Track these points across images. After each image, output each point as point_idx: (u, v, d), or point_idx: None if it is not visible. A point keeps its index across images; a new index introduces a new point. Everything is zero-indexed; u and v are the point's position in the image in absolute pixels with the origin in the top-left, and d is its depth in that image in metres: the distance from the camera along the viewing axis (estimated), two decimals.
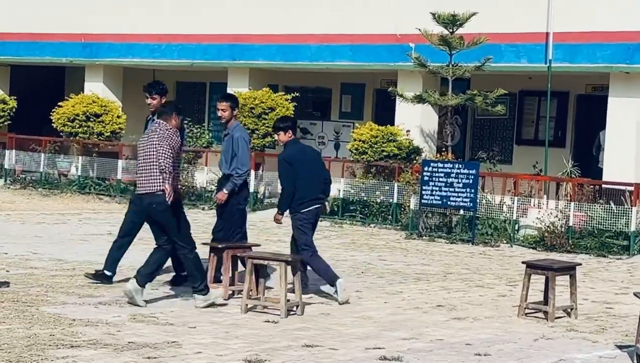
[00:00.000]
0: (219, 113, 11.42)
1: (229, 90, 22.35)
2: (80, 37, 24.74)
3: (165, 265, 10.50)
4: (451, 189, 16.93)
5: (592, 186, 17.08)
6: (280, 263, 9.89)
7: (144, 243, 12.10)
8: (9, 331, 8.42)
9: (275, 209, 11.26)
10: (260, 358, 7.87)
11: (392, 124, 20.35)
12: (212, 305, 10.03)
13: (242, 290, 10.14)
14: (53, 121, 23.28)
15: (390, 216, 18.55)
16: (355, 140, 19.95)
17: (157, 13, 23.89)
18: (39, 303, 9.70)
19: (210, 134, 22.78)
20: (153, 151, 9.92)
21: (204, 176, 21.16)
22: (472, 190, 16.79)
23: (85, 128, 22.88)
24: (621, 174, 17.79)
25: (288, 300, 9.81)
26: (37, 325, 8.71)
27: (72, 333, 8.48)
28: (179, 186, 10.45)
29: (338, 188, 19.43)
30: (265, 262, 10.11)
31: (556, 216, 16.51)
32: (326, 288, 11.00)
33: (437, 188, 17.04)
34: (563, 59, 18.94)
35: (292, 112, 21.20)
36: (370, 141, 19.68)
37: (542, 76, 19.44)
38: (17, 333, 8.36)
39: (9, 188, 22.84)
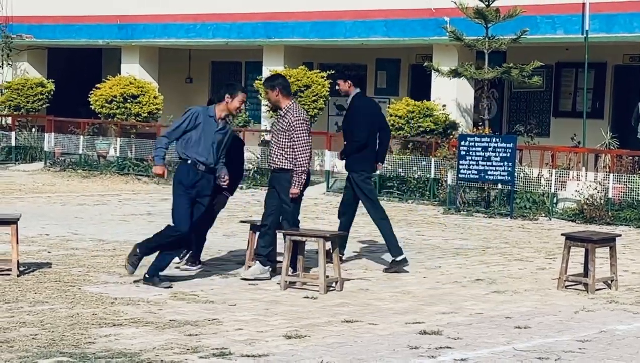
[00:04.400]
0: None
1: (264, 69, 22.39)
2: (115, 19, 24.85)
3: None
4: (488, 163, 16.86)
5: (631, 157, 16.93)
6: (318, 239, 9.92)
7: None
8: (52, 311, 8.53)
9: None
10: (300, 334, 7.92)
11: (428, 99, 20.29)
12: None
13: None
14: (91, 103, 23.43)
15: (427, 192, 18.51)
16: (391, 116, 19.90)
17: None
18: (80, 283, 9.82)
19: (247, 114, 22.82)
20: None
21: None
22: (510, 164, 16.71)
23: (123, 109, 23.00)
24: None
25: (327, 276, 9.86)
26: (79, 305, 8.82)
27: (114, 312, 8.58)
28: None
29: None
30: (304, 239, 10.13)
31: (595, 188, 16.41)
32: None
33: (475, 163, 16.97)
34: (600, 29, 18.75)
35: (328, 90, 21.19)
36: (407, 116, 19.64)
37: (579, 47, 19.26)
38: (60, 312, 8.47)
39: (48, 170, 23.05)
